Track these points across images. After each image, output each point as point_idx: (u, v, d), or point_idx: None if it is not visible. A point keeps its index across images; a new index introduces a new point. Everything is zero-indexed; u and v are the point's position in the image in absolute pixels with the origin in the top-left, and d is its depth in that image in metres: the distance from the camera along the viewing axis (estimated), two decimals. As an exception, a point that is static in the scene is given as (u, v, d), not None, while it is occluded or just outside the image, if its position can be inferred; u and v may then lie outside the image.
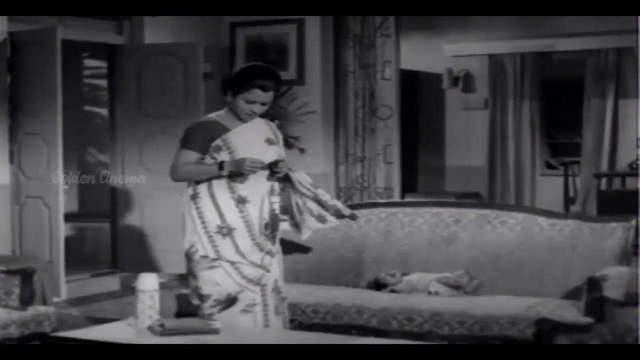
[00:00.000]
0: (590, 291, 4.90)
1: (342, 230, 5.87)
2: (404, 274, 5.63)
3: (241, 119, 4.85)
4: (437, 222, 5.79)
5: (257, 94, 4.78)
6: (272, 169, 4.82)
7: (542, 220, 5.61)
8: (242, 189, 4.82)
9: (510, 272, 5.52)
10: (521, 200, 10.79)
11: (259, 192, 4.85)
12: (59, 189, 7.24)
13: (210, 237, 4.81)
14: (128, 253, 8.35)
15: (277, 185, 4.93)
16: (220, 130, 4.81)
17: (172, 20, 8.48)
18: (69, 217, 9.14)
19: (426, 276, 5.58)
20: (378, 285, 5.67)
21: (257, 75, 4.78)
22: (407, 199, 8.37)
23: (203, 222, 4.81)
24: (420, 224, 5.82)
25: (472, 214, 5.76)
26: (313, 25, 8.83)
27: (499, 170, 10.97)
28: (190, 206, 4.80)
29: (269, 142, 4.91)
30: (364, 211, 5.99)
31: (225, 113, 4.86)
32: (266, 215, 4.84)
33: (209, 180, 4.79)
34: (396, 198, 8.84)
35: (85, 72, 10.11)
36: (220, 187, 4.81)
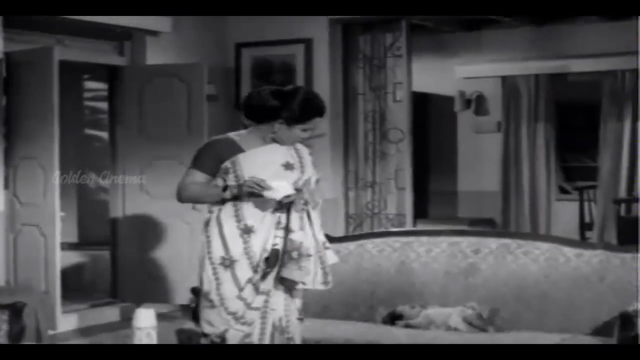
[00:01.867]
0: (624, 328, 4.55)
1: (353, 261, 5.59)
2: (421, 307, 5.29)
3: (263, 141, 4.57)
4: (454, 252, 5.47)
5: (316, 121, 4.62)
6: (284, 201, 4.48)
7: (568, 251, 5.28)
8: (249, 217, 4.53)
9: (535, 305, 5.19)
10: (537, 227, 10.52)
11: (266, 222, 4.55)
12: (56, 216, 6.92)
13: (214, 268, 4.53)
14: (128, 282, 8.08)
15: (290, 219, 4.56)
16: (232, 151, 4.55)
17: (175, 40, 8.30)
18: (67, 246, 8.92)
19: (444, 310, 5.24)
20: (393, 318, 5.33)
21: (320, 104, 4.61)
22: (423, 228, 8.04)
23: (209, 253, 4.55)
24: (436, 254, 5.50)
25: (492, 243, 5.43)
26: (321, 45, 8.62)
27: (513, 195, 10.70)
28: (203, 235, 4.59)
29: (287, 166, 4.60)
30: (377, 240, 5.68)
31: (248, 133, 4.62)
32: (268, 249, 4.53)
33: (219, 207, 4.53)
34: (408, 225, 8.54)
35: (86, 95, 9.91)
36: (228, 215, 4.55)
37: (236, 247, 4.51)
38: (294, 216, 4.52)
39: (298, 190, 4.52)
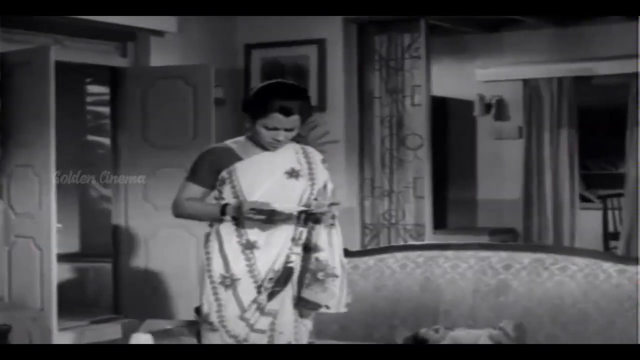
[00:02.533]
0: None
1: (372, 277, 5.15)
2: (446, 329, 4.82)
3: (264, 146, 4.12)
4: (484, 267, 5.01)
5: (277, 119, 4.04)
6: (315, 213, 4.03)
7: (609, 266, 4.81)
8: (252, 231, 4.08)
9: (573, 326, 4.72)
10: (560, 237, 10.09)
11: (275, 237, 4.08)
12: (52, 228, 6.49)
13: (214, 288, 4.08)
14: (131, 297, 7.68)
15: (315, 235, 4.12)
16: (230, 159, 4.10)
17: (180, 41, 7.97)
18: (68, 257, 8.71)
19: (472, 332, 4.76)
20: (417, 342, 4.86)
21: (276, 95, 4.03)
22: (441, 238, 7.68)
23: (209, 271, 4.11)
24: (464, 270, 5.04)
25: (525, 258, 4.97)
26: (335, 46, 8.28)
27: (535, 204, 10.25)
28: (204, 251, 4.16)
29: (292, 174, 4.13)
30: (399, 255, 5.22)
31: (246, 139, 4.17)
32: (278, 267, 4.07)
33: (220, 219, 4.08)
34: (428, 236, 8.16)
35: (89, 99, 9.58)
36: (229, 228, 4.10)
37: (238, 265, 4.07)
38: (322, 232, 4.08)
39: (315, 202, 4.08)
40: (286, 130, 4.07)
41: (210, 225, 4.13)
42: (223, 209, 4.06)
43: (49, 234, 6.54)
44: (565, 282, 4.81)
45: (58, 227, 6.70)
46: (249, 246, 4.05)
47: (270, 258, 4.06)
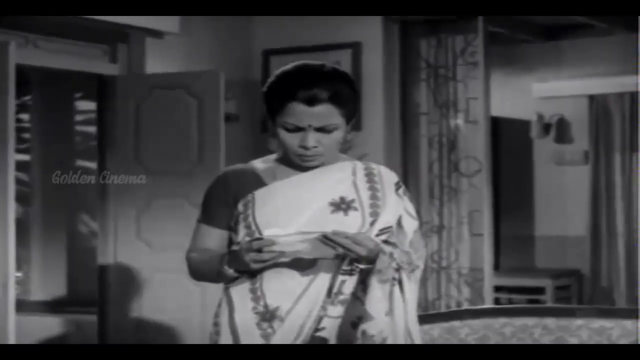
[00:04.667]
0: None
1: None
2: None
3: (299, 165, 2.92)
4: (601, 342, 3.71)
5: (299, 111, 2.81)
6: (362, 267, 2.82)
7: None
8: (274, 293, 2.84)
9: None
10: (634, 280, 9.30)
11: (305, 298, 2.82)
12: (9, 280, 5.14)
13: None
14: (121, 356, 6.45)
15: (350, 286, 2.83)
16: (249, 185, 2.93)
17: (184, 44, 6.99)
18: (52, 305, 7.98)
19: None
20: None
21: (294, 76, 2.86)
22: (552, 304, 6.59)
23: None
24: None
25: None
26: (373, 51, 7.25)
27: (604, 241, 9.62)
28: (212, 320, 3.05)
29: (341, 206, 2.87)
30: (475, 323, 3.85)
31: (278, 157, 3.00)
32: (303, 339, 2.84)
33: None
34: (487, 283, 7.09)
35: (77, 118, 8.66)
36: (242, 290, 2.89)
37: (251, 343, 2.89)
38: (376, 289, 2.79)
39: (387, 243, 2.81)
40: (317, 130, 2.83)
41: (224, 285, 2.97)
42: (223, 260, 2.88)
43: (5, 284, 5.22)
44: None
45: (17, 277, 5.39)
46: (268, 316, 2.84)
47: (293, 331, 2.82)
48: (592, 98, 9.71)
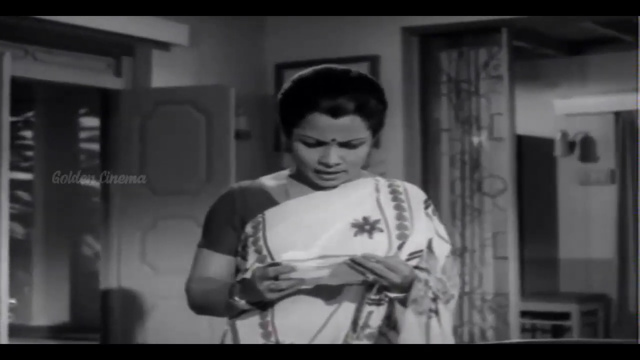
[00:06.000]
0: None
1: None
2: None
3: (314, 183, 2.59)
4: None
5: (321, 123, 2.49)
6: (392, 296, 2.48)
7: None
8: (286, 329, 2.51)
9: None
10: None
11: (322, 334, 2.49)
12: (1, 306, 4.82)
13: None
14: (125, 389, 6.11)
15: (378, 319, 2.51)
16: (259, 205, 2.61)
17: (192, 57, 6.68)
18: (55, 331, 7.81)
19: None
20: None
21: (315, 83, 2.52)
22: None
23: None
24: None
25: None
26: (392, 64, 6.90)
27: (631, 264, 9.30)
28: None
29: (364, 227, 2.54)
30: None
31: (291, 173, 2.69)
32: None
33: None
34: (513, 310, 6.73)
35: (82, 135, 8.36)
36: (250, 325, 2.57)
37: None
38: (413, 324, 2.47)
39: (419, 269, 2.48)
40: (341, 145, 2.52)
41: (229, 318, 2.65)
42: (232, 290, 2.54)
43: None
44: None
45: (11, 304, 5.06)
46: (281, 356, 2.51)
47: None
48: (618, 115, 9.46)
